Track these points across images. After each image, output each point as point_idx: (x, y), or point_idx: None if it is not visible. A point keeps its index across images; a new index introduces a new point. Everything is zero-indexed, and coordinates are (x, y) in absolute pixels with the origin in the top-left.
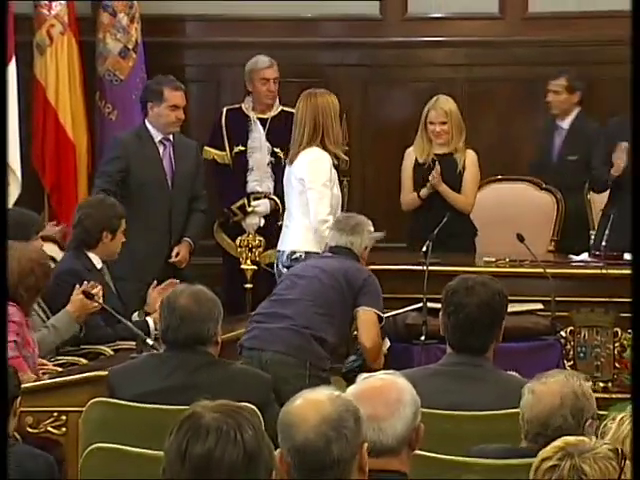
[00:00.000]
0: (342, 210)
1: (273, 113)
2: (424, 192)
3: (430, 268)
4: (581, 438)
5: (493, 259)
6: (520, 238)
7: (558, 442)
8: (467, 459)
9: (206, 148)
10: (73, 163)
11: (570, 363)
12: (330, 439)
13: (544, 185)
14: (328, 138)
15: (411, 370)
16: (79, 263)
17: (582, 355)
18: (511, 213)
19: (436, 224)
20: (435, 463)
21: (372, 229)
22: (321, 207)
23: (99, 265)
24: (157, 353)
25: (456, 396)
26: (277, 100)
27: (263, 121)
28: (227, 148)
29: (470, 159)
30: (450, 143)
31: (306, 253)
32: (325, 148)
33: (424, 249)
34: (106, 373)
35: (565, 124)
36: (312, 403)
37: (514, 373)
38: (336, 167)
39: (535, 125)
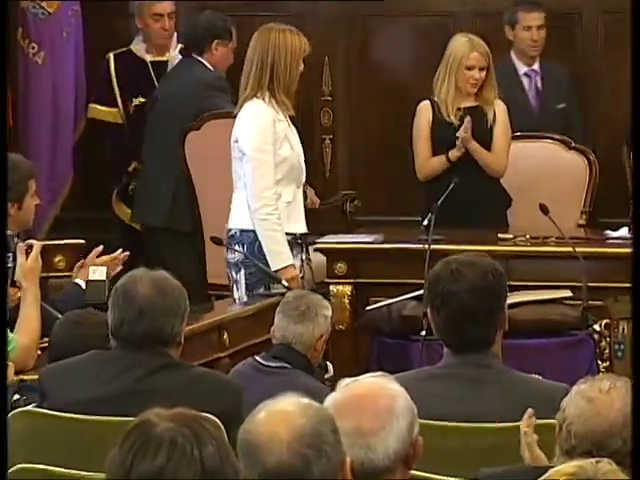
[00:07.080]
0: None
1: (173, 54)
2: (454, 153)
3: (433, 247)
4: (578, 463)
5: (510, 236)
6: (544, 210)
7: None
8: None
9: (91, 106)
10: None
11: (606, 364)
12: (309, 458)
13: (573, 144)
14: (277, 83)
15: (405, 374)
16: None
17: (620, 354)
18: (532, 179)
19: (459, 192)
20: None
21: (329, 312)
22: (258, 179)
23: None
24: (102, 352)
25: (460, 404)
26: (175, 39)
27: (162, 65)
28: (119, 103)
29: (500, 109)
30: (481, 94)
31: (241, 231)
32: (273, 96)
33: (425, 222)
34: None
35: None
36: (280, 416)
37: (537, 376)
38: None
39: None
